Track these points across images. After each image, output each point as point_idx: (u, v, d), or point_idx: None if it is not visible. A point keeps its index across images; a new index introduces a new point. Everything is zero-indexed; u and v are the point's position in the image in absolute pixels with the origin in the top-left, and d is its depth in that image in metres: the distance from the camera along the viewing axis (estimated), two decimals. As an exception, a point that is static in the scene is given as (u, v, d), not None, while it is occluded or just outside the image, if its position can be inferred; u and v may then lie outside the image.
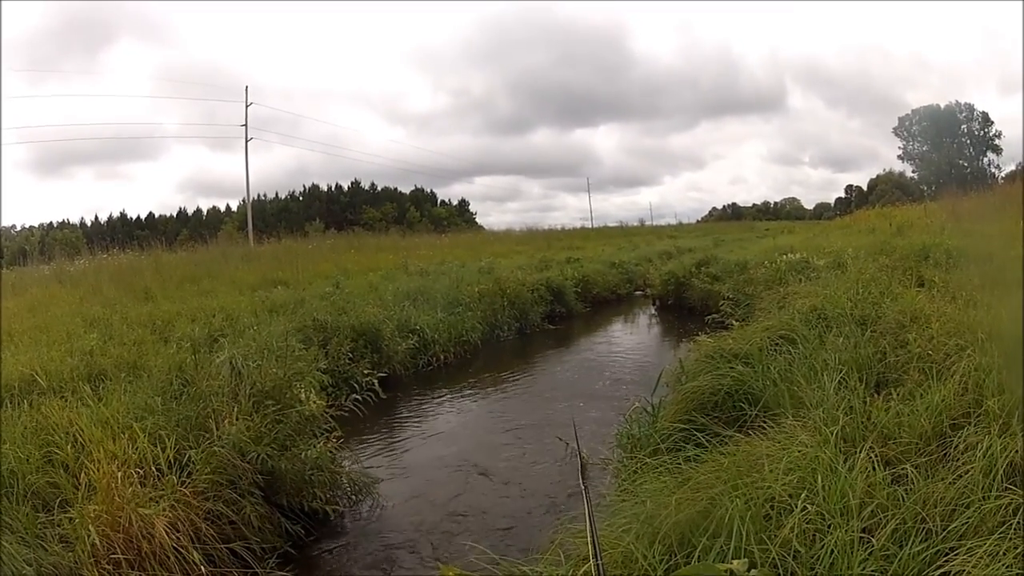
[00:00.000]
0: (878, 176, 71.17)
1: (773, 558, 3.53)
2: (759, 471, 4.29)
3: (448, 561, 6.44)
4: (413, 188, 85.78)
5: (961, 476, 3.96)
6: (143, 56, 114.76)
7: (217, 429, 6.76)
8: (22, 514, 5.38)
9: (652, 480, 4.98)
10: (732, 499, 3.93)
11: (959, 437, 4.42)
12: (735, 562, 3.02)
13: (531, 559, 4.60)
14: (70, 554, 5.19)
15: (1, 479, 5.54)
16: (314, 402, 7.79)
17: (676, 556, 3.79)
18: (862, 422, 4.94)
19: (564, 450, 8.73)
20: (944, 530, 3.55)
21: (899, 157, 67.71)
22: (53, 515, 5.52)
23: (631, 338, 19.39)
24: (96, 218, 72.50)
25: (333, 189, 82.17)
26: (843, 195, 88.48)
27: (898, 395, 5.33)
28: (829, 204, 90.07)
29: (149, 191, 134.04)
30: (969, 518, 3.60)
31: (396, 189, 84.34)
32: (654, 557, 3.80)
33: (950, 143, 61.72)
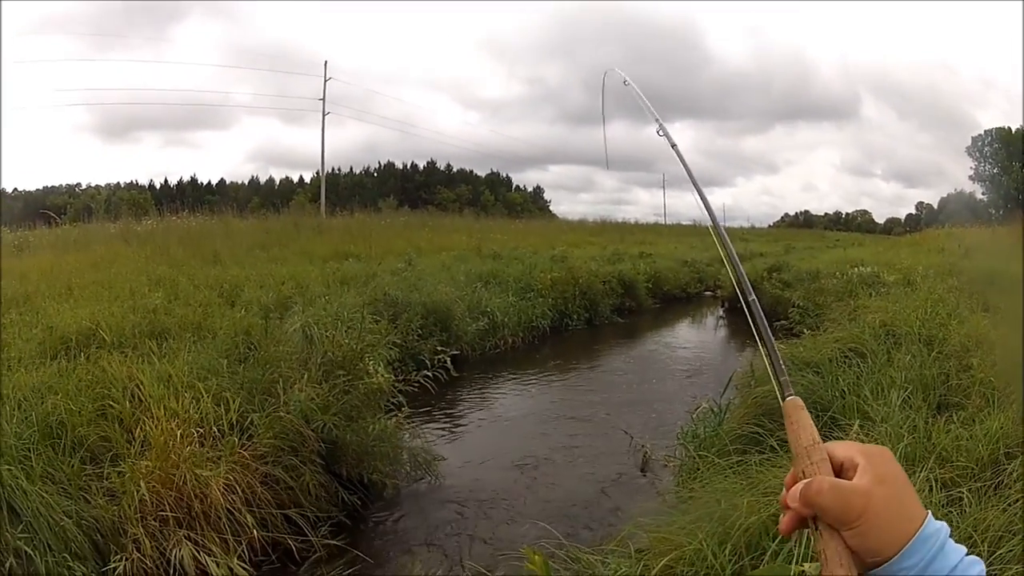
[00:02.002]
0: (949, 195, 69.63)
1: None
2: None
3: (503, 544, 6.47)
4: (489, 172, 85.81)
5: (1011, 504, 3.92)
6: (212, 32, 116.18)
7: (284, 395, 6.82)
8: (67, 465, 5.37)
9: (720, 480, 4.98)
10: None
11: (1013, 465, 4.41)
12: (807, 565, 3.02)
13: (598, 548, 4.62)
14: (115, 508, 5.22)
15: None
16: (382, 376, 7.83)
17: (744, 559, 3.79)
18: (924, 442, 4.92)
19: (626, 443, 8.73)
20: (991, 555, 3.51)
21: (970, 178, 65.99)
22: (101, 468, 5.55)
23: (698, 338, 19.18)
24: (165, 181, 73.52)
25: (408, 168, 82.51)
26: (913, 211, 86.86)
27: (959, 419, 5.31)
28: (899, 219, 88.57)
29: (218, 159, 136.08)
30: (1015, 546, 3.56)
31: (472, 172, 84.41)
32: (724, 557, 3.82)
33: (1020, 168, 59.83)
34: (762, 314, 1.18)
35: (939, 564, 0.86)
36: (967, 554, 0.89)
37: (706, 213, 1.37)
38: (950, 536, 0.89)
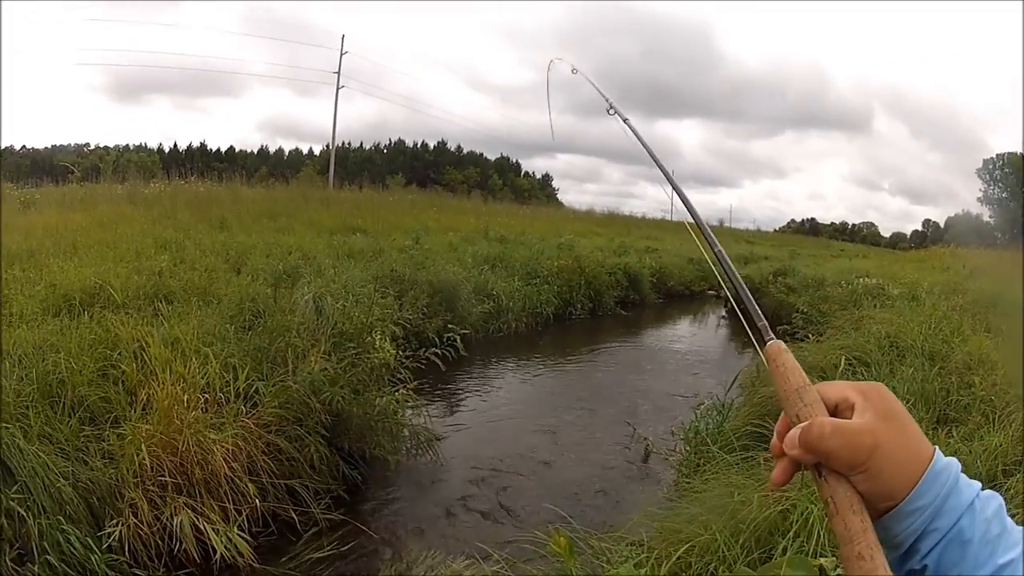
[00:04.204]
0: (956, 215, 69.45)
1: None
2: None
3: (501, 524, 6.47)
4: (499, 156, 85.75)
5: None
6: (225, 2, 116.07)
7: (293, 364, 6.78)
8: (66, 425, 5.32)
9: (727, 475, 4.97)
10: (810, 503, 3.89)
11: (1011, 483, 4.43)
12: (823, 560, 3.00)
13: (608, 535, 4.59)
14: (113, 471, 5.16)
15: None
16: (388, 351, 7.80)
17: (754, 553, 3.77)
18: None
19: (626, 433, 8.73)
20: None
21: (979, 200, 65.75)
22: (101, 430, 5.49)
23: (700, 336, 19.14)
24: (175, 145, 73.17)
25: (418, 146, 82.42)
26: (919, 228, 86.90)
27: (958, 434, 5.38)
28: (905, 235, 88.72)
29: (227, 127, 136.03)
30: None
31: (481, 155, 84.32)
32: (737, 550, 3.83)
33: None
34: (731, 264, 1.11)
35: (954, 500, 0.80)
36: (982, 489, 0.82)
37: (671, 187, 1.31)
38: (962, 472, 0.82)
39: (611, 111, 1.64)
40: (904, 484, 0.80)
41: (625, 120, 1.56)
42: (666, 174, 1.35)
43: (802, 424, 0.84)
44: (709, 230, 1.21)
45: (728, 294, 1.06)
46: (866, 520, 0.79)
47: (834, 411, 0.85)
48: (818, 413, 0.85)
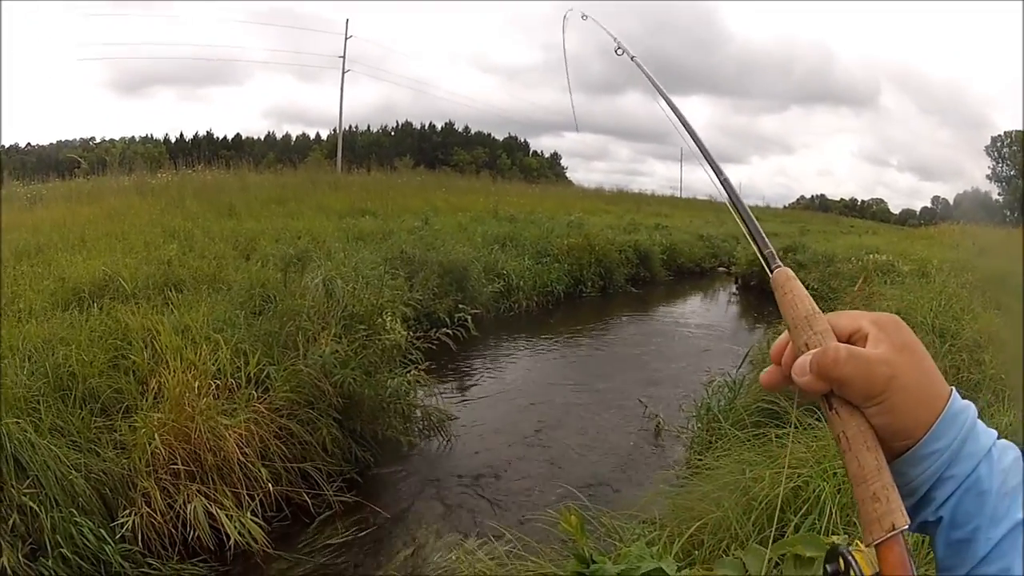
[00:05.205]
0: (964, 193, 68.88)
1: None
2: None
3: (515, 504, 6.48)
4: (507, 136, 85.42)
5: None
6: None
7: (304, 348, 6.78)
8: (77, 418, 5.34)
9: (739, 452, 4.95)
10: (822, 481, 3.87)
11: None
12: (836, 537, 3.00)
13: (621, 513, 4.59)
14: (125, 461, 5.18)
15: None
16: (399, 332, 7.80)
17: (766, 531, 3.75)
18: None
19: (636, 411, 8.72)
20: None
21: (988, 177, 65.20)
22: (112, 420, 5.52)
23: (710, 313, 19.10)
24: (181, 135, 72.96)
25: (426, 128, 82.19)
26: (929, 205, 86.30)
27: None
28: (914, 211, 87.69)
29: (232, 116, 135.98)
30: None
31: (490, 135, 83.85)
32: (749, 527, 3.82)
33: None
34: (735, 190, 1.08)
35: (972, 446, 0.76)
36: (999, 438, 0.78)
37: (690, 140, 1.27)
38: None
39: (619, 51, 1.58)
40: (921, 422, 0.76)
41: (633, 58, 1.52)
42: (674, 108, 1.31)
43: (814, 350, 0.79)
44: (711, 154, 1.17)
45: (737, 218, 1.04)
46: (881, 459, 0.75)
47: (846, 341, 0.80)
48: (829, 341, 0.80)
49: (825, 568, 0.77)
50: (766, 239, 0.96)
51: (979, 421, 0.79)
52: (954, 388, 0.79)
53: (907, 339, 0.79)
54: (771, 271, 0.91)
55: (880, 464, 0.75)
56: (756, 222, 0.99)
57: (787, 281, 0.88)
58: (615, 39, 1.61)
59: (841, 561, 0.75)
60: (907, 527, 0.72)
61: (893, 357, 0.76)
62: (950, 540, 0.75)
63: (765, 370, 0.86)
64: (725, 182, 1.12)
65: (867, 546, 0.74)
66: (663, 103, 1.32)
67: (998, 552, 0.71)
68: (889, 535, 0.72)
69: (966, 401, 0.79)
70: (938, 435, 0.76)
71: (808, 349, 0.80)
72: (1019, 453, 0.77)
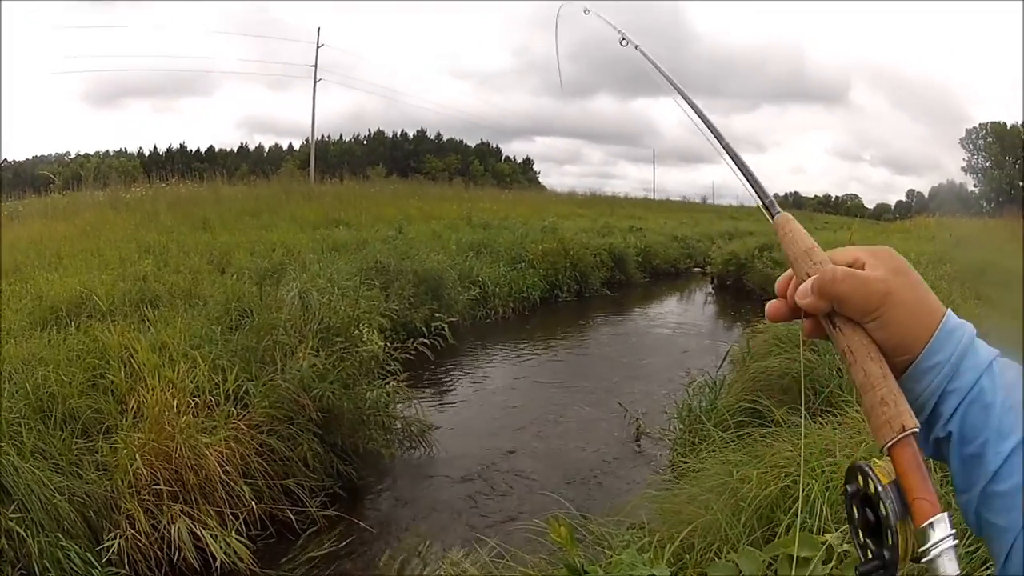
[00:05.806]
0: (940, 185, 69.49)
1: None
2: (832, 456, 4.24)
3: (498, 512, 6.49)
4: (479, 142, 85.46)
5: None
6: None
7: (283, 362, 6.75)
8: (58, 439, 5.29)
9: (724, 453, 4.97)
10: (810, 479, 3.88)
11: None
12: (828, 536, 3.00)
13: (607, 520, 4.58)
14: (107, 483, 5.13)
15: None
16: (376, 343, 7.79)
17: (757, 532, 3.76)
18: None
19: (617, 415, 8.74)
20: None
21: (963, 169, 65.79)
22: (93, 442, 5.47)
23: (687, 314, 19.21)
24: (155, 148, 72.49)
25: (398, 136, 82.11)
26: (904, 199, 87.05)
27: None
28: (889, 206, 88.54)
29: (205, 127, 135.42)
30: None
31: (461, 141, 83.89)
32: (739, 528, 3.82)
33: (1012, 163, 59.84)
34: (730, 146, 1.13)
35: (972, 360, 0.80)
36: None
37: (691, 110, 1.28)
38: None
39: (624, 42, 1.60)
40: (919, 336, 0.81)
41: (637, 47, 1.53)
42: (682, 93, 1.32)
43: (814, 275, 0.86)
44: (702, 110, 1.24)
45: (734, 169, 1.07)
46: (885, 368, 0.80)
47: None
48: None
49: (846, 489, 0.81)
50: (765, 190, 1.03)
51: (979, 339, 0.83)
52: (949, 309, 0.84)
53: (901, 264, 0.85)
54: (772, 217, 1.00)
55: (885, 372, 0.80)
56: (755, 176, 1.06)
57: (787, 223, 0.97)
58: (619, 31, 1.62)
59: (860, 478, 0.79)
60: (917, 428, 0.77)
61: (888, 277, 0.83)
62: (963, 456, 0.79)
63: (770, 303, 0.93)
64: (714, 128, 1.19)
65: (880, 449, 0.78)
66: (675, 96, 1.34)
67: (1008, 468, 0.74)
68: (900, 435, 0.76)
69: (963, 320, 0.84)
70: (936, 349, 0.81)
71: (809, 278, 0.87)
72: (1021, 368, 0.80)
